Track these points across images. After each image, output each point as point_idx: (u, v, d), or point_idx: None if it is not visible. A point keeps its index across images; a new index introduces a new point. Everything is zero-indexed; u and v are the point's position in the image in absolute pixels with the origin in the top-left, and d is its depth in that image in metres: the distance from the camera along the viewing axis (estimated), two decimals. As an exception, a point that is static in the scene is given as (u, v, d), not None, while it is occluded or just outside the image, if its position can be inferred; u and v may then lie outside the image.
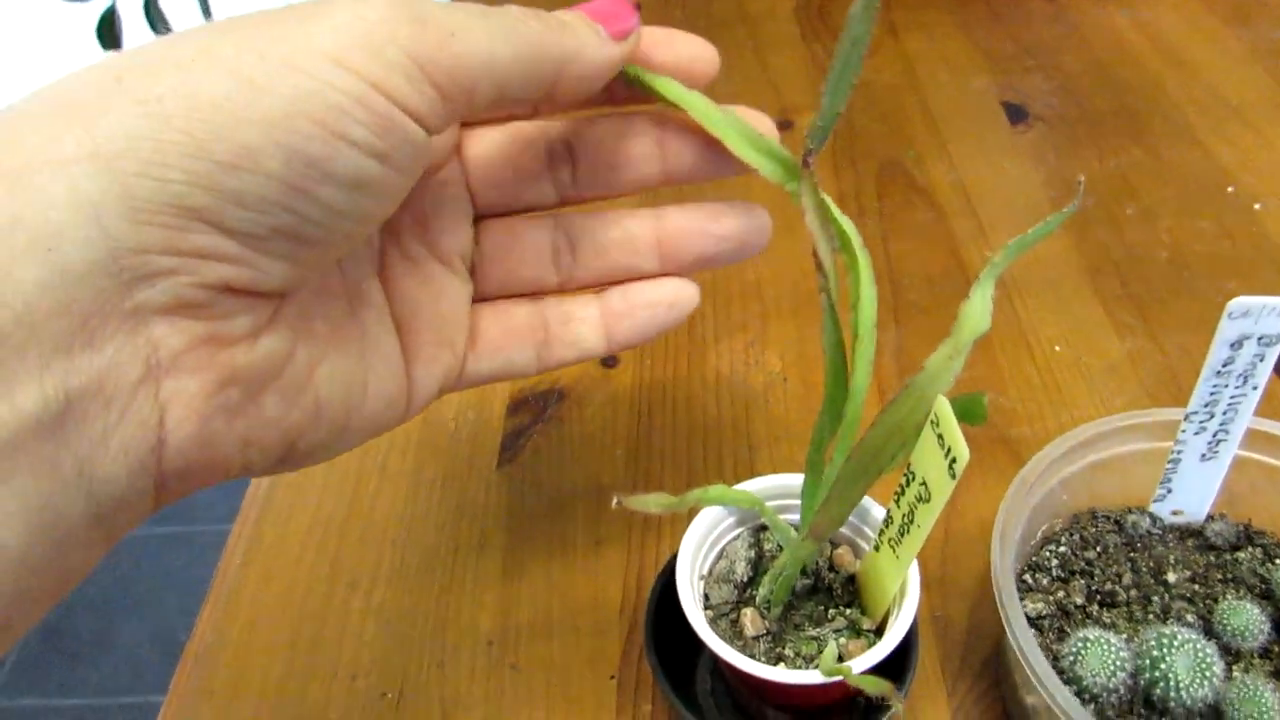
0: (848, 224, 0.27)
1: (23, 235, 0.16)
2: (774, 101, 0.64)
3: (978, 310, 0.24)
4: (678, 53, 0.27)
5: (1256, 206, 0.52)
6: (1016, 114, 0.60)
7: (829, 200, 0.26)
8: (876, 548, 0.28)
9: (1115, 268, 0.50)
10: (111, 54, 0.20)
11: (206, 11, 0.98)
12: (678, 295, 0.29)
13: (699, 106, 0.26)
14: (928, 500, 0.24)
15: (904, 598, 0.28)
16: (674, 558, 0.34)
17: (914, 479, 0.25)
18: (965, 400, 0.25)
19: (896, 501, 0.26)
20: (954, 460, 0.22)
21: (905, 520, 0.26)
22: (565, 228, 0.30)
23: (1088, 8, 0.70)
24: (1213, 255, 0.50)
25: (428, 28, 0.21)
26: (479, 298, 0.29)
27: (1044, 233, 0.24)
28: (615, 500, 0.28)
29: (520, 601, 0.38)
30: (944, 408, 0.23)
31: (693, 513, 0.31)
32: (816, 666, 0.28)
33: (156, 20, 0.92)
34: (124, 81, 0.18)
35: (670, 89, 0.26)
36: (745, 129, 0.26)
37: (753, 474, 0.42)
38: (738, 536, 0.32)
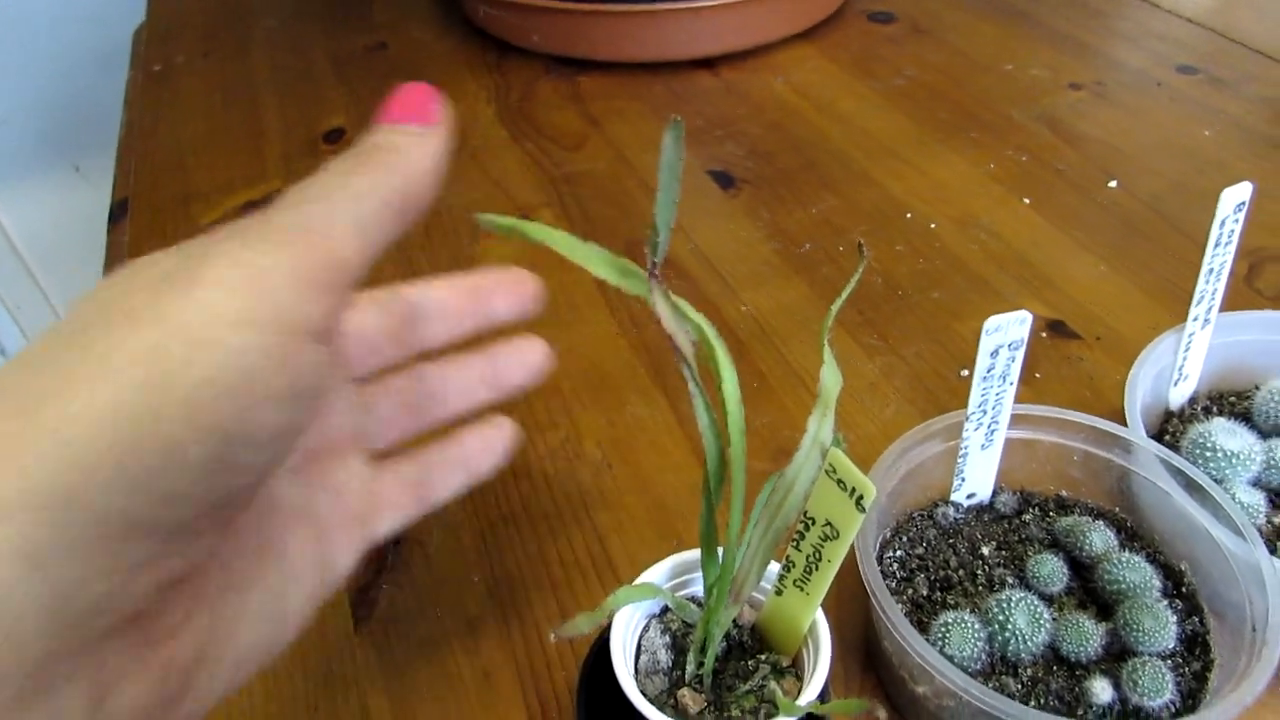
0: (699, 317, 0.30)
1: None
2: (508, 204, 0.66)
3: (830, 372, 0.29)
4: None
5: (932, 226, 0.63)
6: (725, 180, 0.68)
7: (682, 301, 0.29)
8: (778, 593, 0.32)
9: (847, 300, 0.58)
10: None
11: None
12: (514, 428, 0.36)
13: (562, 241, 0.29)
14: (836, 537, 0.28)
15: (817, 627, 0.31)
16: (585, 670, 0.35)
17: (815, 523, 0.28)
18: None
19: (796, 546, 0.30)
20: (860, 497, 0.26)
21: (811, 560, 0.29)
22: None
23: (747, 78, 0.80)
24: (914, 273, 0.59)
25: (310, 247, 0.21)
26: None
27: (846, 294, 0.30)
28: (552, 635, 0.29)
29: (431, 758, 0.37)
30: (838, 457, 0.27)
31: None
32: (768, 716, 0.30)
33: None
34: (44, 409, 0.18)
35: (533, 230, 0.28)
36: (604, 254, 0.29)
37: (610, 564, 0.44)
38: (646, 627, 0.33)
